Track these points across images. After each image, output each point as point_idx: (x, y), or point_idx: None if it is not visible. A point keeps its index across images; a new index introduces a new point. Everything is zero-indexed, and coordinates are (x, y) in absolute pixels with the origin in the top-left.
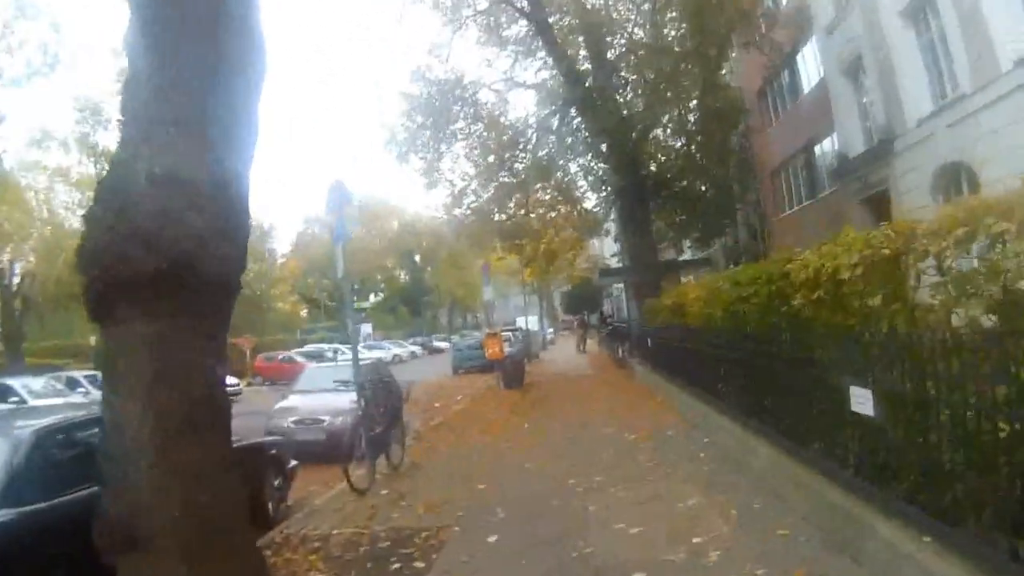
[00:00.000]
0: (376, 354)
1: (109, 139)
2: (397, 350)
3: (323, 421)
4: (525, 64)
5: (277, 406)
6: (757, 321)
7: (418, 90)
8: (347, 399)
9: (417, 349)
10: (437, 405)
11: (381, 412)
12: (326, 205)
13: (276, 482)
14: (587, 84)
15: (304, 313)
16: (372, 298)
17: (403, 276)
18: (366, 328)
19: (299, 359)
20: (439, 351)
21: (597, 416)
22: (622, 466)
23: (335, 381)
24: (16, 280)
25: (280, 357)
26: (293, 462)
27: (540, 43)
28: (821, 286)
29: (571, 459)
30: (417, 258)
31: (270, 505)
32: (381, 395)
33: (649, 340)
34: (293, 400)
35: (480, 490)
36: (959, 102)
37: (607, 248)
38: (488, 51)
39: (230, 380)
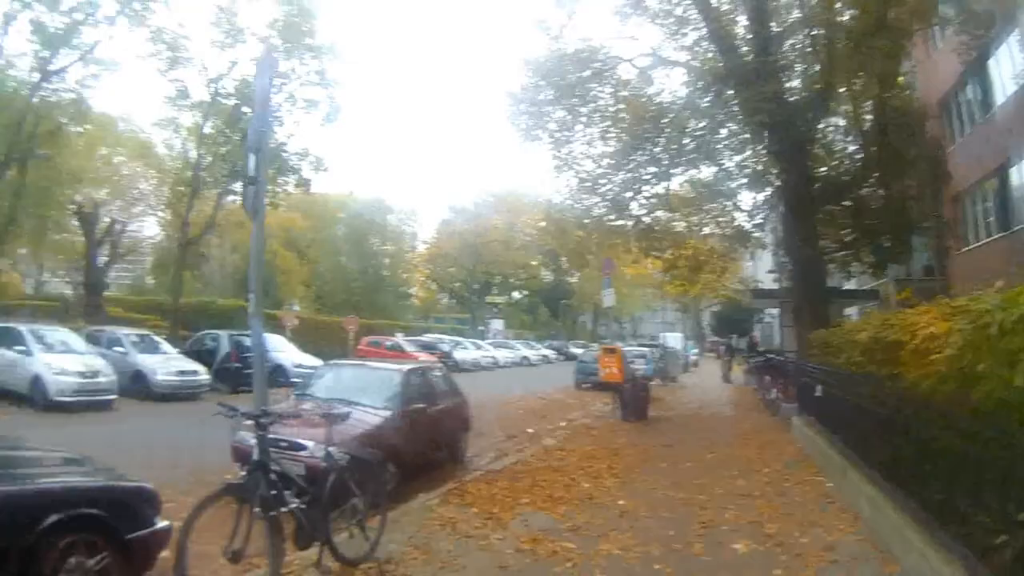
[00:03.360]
0: (501, 353)
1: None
2: (526, 351)
3: (304, 448)
4: (674, 40)
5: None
6: None
7: (544, 53)
8: (366, 421)
9: (551, 353)
10: (530, 431)
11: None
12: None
13: None
14: (747, 59)
15: (444, 302)
16: (515, 295)
17: (547, 276)
18: (496, 324)
19: (408, 348)
20: (574, 358)
21: (737, 510)
22: None
23: (360, 391)
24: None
25: (388, 344)
26: (163, 522)
27: (694, 11)
28: None
29: None
30: (564, 260)
31: None
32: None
33: (818, 387)
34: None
35: None
36: None
37: (761, 268)
38: (631, 23)
39: (309, 360)
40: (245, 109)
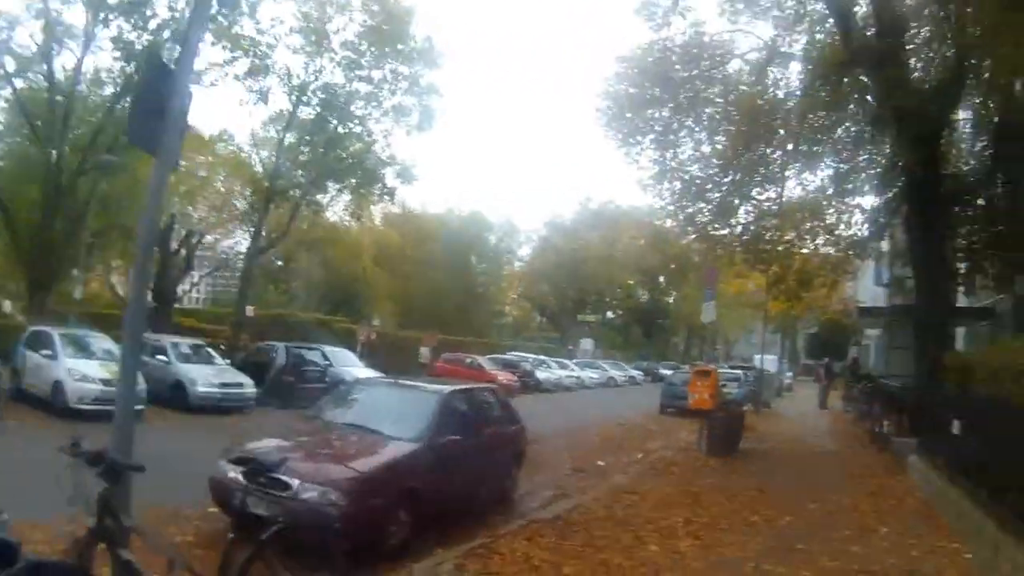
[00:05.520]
0: (587, 373)
1: None
2: (614, 372)
3: (289, 487)
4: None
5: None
6: None
7: (645, 46)
8: (383, 455)
9: (639, 374)
10: (600, 464)
11: None
12: None
13: None
14: (872, 42)
15: (538, 321)
16: (608, 315)
17: (643, 296)
18: (586, 343)
19: (488, 366)
20: (663, 380)
21: None
22: None
23: (385, 416)
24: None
25: (467, 361)
26: None
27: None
28: None
29: None
30: (661, 279)
31: None
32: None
33: (956, 423)
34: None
35: None
36: None
37: (862, 288)
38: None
39: (372, 376)
40: (331, 120)
